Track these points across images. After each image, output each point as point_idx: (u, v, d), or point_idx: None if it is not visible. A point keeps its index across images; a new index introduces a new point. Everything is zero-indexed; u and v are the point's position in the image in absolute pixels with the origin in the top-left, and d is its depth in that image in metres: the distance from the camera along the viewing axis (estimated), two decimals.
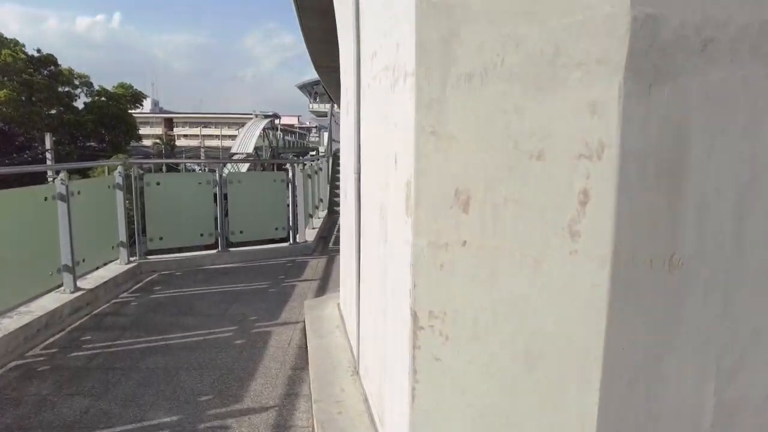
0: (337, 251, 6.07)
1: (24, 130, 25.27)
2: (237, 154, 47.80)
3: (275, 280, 4.68)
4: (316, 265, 5.32)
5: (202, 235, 5.24)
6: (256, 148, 48.35)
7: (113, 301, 4.00)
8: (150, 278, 4.70)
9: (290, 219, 5.82)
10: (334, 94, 40.60)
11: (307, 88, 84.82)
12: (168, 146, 76.62)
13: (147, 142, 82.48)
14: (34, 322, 3.16)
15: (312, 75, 38.55)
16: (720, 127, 1.11)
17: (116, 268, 4.58)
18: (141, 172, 5.07)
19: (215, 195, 5.29)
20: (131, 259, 4.86)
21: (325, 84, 36.63)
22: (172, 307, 3.85)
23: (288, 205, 5.79)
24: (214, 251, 5.39)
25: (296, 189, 5.83)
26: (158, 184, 4.99)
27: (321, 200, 8.76)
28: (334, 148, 12.32)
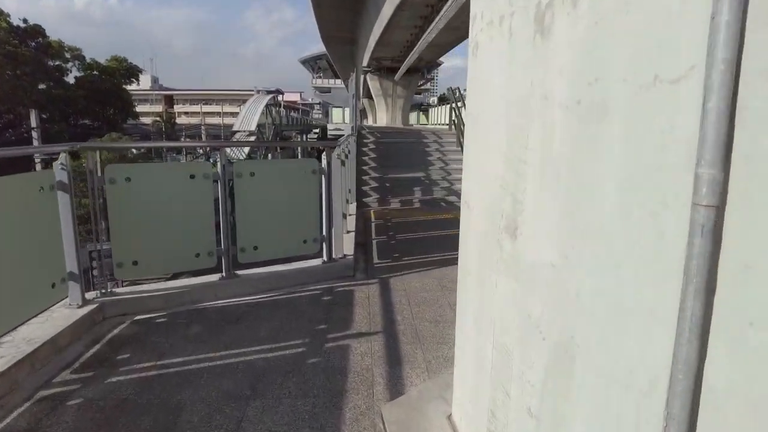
0: (388, 270, 4.39)
1: (8, 107, 23.36)
2: (239, 131, 45.91)
3: (313, 335, 2.95)
4: (367, 298, 3.60)
5: (198, 255, 3.51)
6: (258, 126, 46.35)
7: (32, 400, 2.28)
8: (115, 332, 2.98)
9: (324, 226, 4.08)
10: (339, 66, 38.15)
11: (310, 63, 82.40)
12: (168, 124, 74.68)
13: (146, 120, 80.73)
14: None
15: (314, 50, 36.31)
16: None
17: (61, 315, 2.87)
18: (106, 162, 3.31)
19: (219, 197, 3.54)
20: (88, 296, 3.15)
21: (333, 57, 34.22)
22: (141, 418, 2.13)
23: (322, 207, 4.04)
24: (216, 277, 3.68)
25: (332, 184, 4.07)
26: (128, 180, 3.23)
27: (350, 191, 7.00)
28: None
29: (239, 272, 3.80)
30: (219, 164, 3.59)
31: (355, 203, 7.14)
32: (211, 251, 3.59)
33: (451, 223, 6.45)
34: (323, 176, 4.02)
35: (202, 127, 45.58)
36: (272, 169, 3.80)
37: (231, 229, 3.65)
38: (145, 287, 3.53)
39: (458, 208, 6.69)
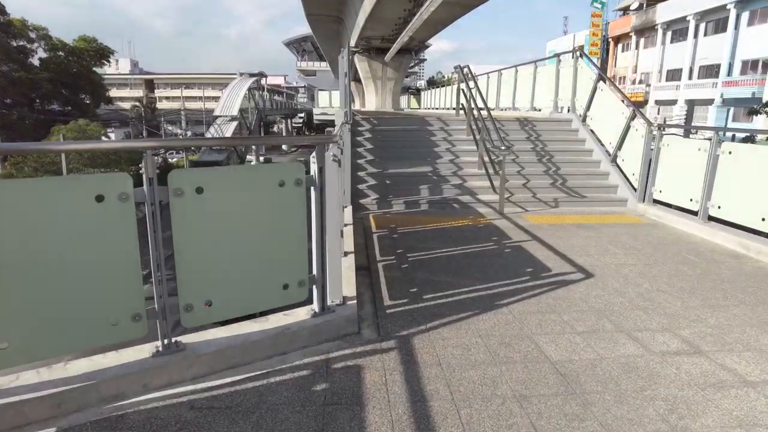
0: (406, 319, 3.11)
1: None
2: (221, 116, 43.95)
3: None
4: (383, 384, 2.28)
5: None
6: (241, 110, 44.36)
7: None
8: None
9: (315, 261, 2.75)
10: (325, 48, 36.42)
11: (295, 45, 79.91)
12: (148, 109, 72.01)
13: (126, 105, 78.09)
14: None
15: (299, 31, 34.49)
16: None
17: None
18: None
19: (148, 226, 2.19)
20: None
21: (318, 37, 32.40)
22: None
23: (311, 233, 2.71)
24: (148, 351, 2.35)
25: (326, 199, 2.72)
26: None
27: (344, 192, 5.64)
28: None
29: (186, 340, 2.46)
30: (145, 176, 2.22)
31: (350, 207, 5.79)
32: (138, 313, 2.25)
33: (474, 233, 5.14)
34: (313, 188, 2.68)
35: (182, 112, 43.43)
36: (233, 181, 2.43)
37: (162, 272, 2.30)
38: (31, 373, 2.19)
39: (476, 212, 5.32)
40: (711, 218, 5.31)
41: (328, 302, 2.86)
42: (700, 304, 3.37)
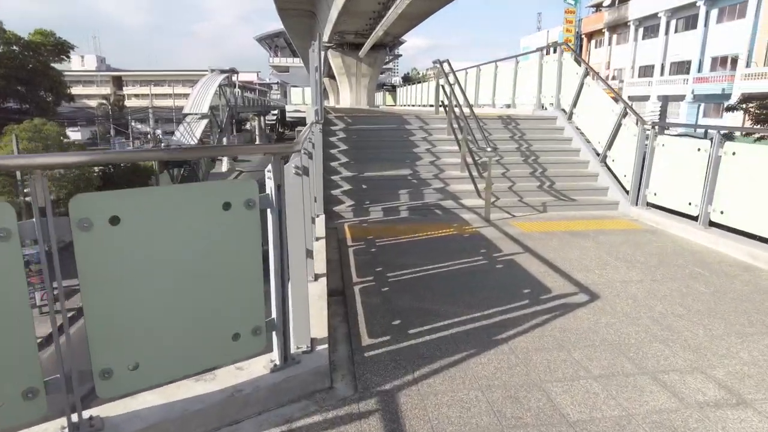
0: (390, 365, 2.58)
1: None
2: (190, 114, 42.66)
3: None
4: None
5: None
6: (211, 108, 43.19)
7: None
8: None
9: (274, 302, 2.19)
10: (298, 44, 35.59)
11: (267, 41, 78.41)
12: (116, 107, 69.71)
13: (93, 103, 75.50)
14: None
15: (273, 27, 33.55)
16: None
17: None
18: None
19: (43, 267, 1.61)
20: None
21: (290, 32, 31.58)
22: None
23: (268, 269, 2.16)
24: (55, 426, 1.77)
25: (286, 224, 2.17)
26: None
27: (315, 200, 5.08)
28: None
29: (105, 413, 1.89)
30: (34, 205, 1.64)
31: (323, 216, 5.23)
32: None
33: (460, 245, 4.64)
34: (270, 210, 2.12)
35: (150, 110, 41.98)
36: (161, 206, 1.86)
37: (64, 332, 1.71)
38: None
39: (461, 219, 4.77)
40: (712, 224, 4.93)
41: (292, 349, 2.31)
42: (724, 331, 2.93)
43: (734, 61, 30.58)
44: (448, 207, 5.99)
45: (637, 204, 5.98)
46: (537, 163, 6.97)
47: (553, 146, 7.43)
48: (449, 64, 7.61)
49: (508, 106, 10.76)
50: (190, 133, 40.33)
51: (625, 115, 6.31)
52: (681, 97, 33.41)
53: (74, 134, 68.84)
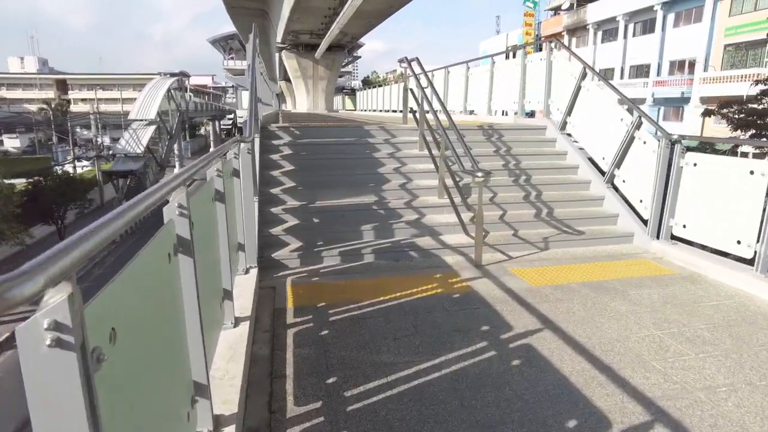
0: None
1: None
2: (137, 120, 39.88)
3: None
4: None
5: None
6: (160, 113, 40.51)
7: None
8: None
9: None
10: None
11: (221, 44, 75.60)
12: (58, 112, 65.30)
13: (33, 108, 70.80)
14: None
15: (226, 29, 31.55)
16: None
17: None
18: None
19: None
20: None
21: (242, 33, 29.64)
22: None
23: None
24: None
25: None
26: None
27: (240, 248, 3.58)
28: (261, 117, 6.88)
29: None
30: None
31: (255, 270, 3.73)
32: None
33: (451, 318, 3.24)
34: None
35: (91, 116, 38.98)
36: None
37: None
38: None
39: (444, 264, 3.42)
40: None
41: None
42: None
43: (692, 64, 30.77)
44: (426, 247, 4.61)
45: (659, 237, 4.78)
46: (529, 184, 5.70)
47: (546, 162, 6.18)
48: (419, 64, 6.25)
49: (472, 113, 9.57)
50: (136, 141, 37.63)
51: (639, 125, 5.11)
52: (641, 101, 33.45)
53: (11, 141, 64.13)
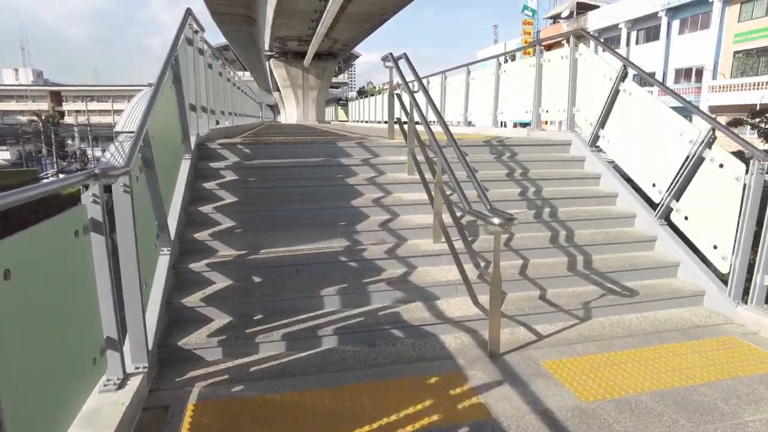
0: None
1: None
2: (123, 132, 38.58)
3: None
4: None
5: None
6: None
7: None
8: None
9: None
10: (242, 54, 32.14)
11: (215, 55, 74.71)
12: (51, 124, 64.00)
13: (23, 119, 69.87)
14: None
15: (220, 41, 30.35)
16: None
17: None
18: None
19: None
20: None
21: (231, 43, 28.18)
22: None
23: None
24: None
25: None
26: None
27: (122, 339, 2.12)
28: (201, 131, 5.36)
29: None
30: None
31: (140, 378, 2.26)
32: None
33: None
34: None
35: (75, 128, 37.67)
36: None
37: None
38: None
39: (444, 353, 3.25)
40: None
41: None
42: None
43: (699, 72, 29.60)
44: (416, 322, 3.15)
45: (748, 301, 3.35)
46: (556, 219, 4.26)
47: (574, 189, 4.76)
48: (407, 60, 4.82)
49: (470, 124, 8.21)
50: (122, 153, 36.26)
51: (710, 143, 3.70)
52: None
53: (1, 153, 62.72)
